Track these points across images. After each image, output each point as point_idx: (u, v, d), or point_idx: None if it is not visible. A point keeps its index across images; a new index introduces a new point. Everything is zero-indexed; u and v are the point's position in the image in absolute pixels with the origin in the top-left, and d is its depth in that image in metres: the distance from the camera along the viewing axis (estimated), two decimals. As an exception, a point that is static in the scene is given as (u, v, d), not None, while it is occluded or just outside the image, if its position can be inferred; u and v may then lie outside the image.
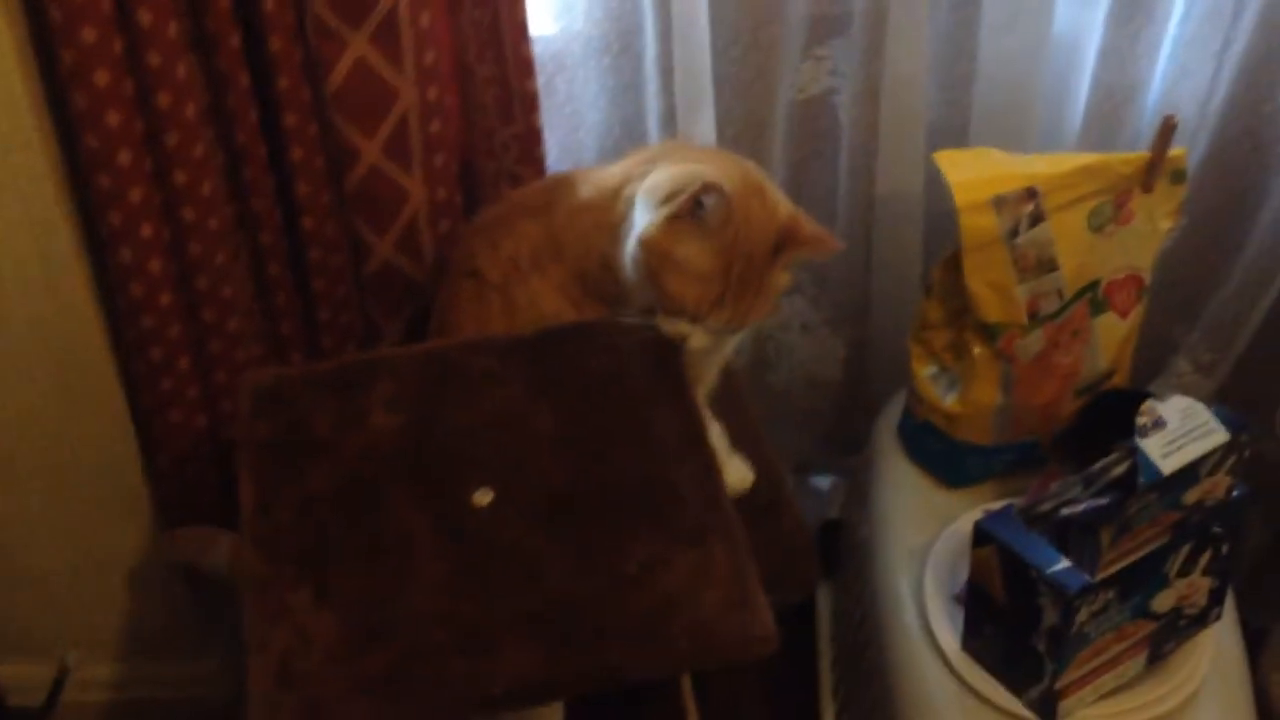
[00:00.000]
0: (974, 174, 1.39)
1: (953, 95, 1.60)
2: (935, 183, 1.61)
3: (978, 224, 1.38)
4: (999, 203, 1.38)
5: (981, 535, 1.28)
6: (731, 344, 1.33)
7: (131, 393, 1.50)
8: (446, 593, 1.06)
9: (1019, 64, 1.53)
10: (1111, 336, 1.50)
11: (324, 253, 1.45)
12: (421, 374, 1.23)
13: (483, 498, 1.12)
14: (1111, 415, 1.44)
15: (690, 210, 1.18)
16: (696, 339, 1.23)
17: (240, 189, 1.40)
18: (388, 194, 1.41)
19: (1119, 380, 1.55)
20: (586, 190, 1.31)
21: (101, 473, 1.56)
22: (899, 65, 1.52)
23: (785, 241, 1.22)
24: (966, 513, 1.47)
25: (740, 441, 1.35)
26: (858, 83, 1.56)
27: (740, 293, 1.21)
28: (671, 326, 1.22)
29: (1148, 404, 1.21)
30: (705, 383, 1.34)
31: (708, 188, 1.16)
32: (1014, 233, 1.39)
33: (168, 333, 1.40)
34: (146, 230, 1.32)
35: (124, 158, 1.27)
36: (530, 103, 1.44)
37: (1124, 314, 1.49)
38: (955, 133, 1.62)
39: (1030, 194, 1.38)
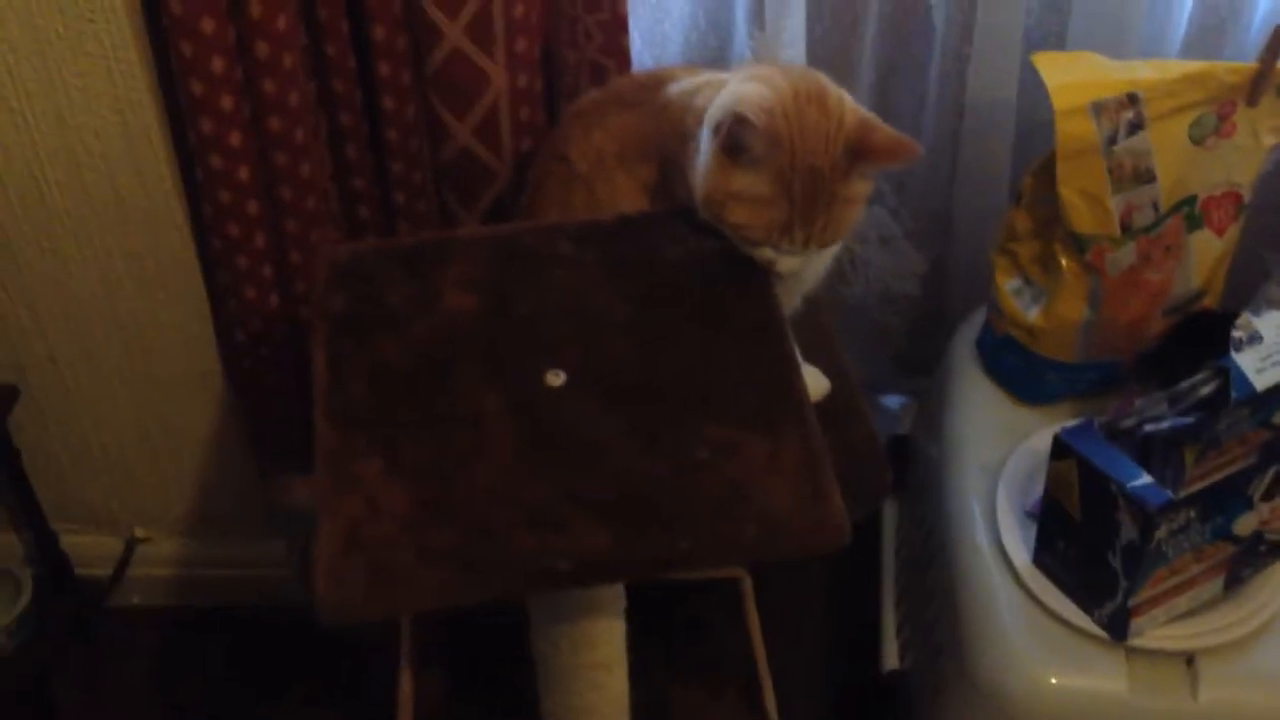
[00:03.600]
0: (1073, 78, 1.35)
1: (1052, 1, 1.55)
2: (1028, 92, 1.56)
3: (1075, 130, 1.34)
4: (1098, 108, 1.33)
5: (1061, 448, 1.25)
6: (821, 264, 1.29)
7: (208, 270, 1.50)
8: (516, 469, 1.05)
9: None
10: (1205, 255, 1.45)
11: (402, 135, 1.44)
12: (496, 256, 1.22)
13: (555, 379, 1.11)
14: (1199, 338, 1.40)
15: (728, 146, 1.15)
16: (783, 264, 1.20)
17: (322, 66, 1.39)
18: (469, 77, 1.39)
19: (1210, 302, 1.50)
20: (674, 91, 1.29)
21: (177, 351, 1.58)
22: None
23: (856, 149, 1.17)
24: (1042, 430, 1.44)
25: (816, 351, 1.32)
26: (954, -17, 1.51)
27: (809, 211, 1.17)
28: (754, 252, 1.20)
29: (1244, 317, 1.17)
30: (786, 306, 1.30)
31: (738, 120, 1.13)
32: (1112, 140, 1.34)
33: (245, 208, 1.40)
34: (227, 102, 1.32)
35: (206, 25, 1.26)
36: (617, -11, 1.40)
37: (1220, 232, 1.44)
38: (1053, 41, 1.57)
39: (1131, 100, 1.33)
